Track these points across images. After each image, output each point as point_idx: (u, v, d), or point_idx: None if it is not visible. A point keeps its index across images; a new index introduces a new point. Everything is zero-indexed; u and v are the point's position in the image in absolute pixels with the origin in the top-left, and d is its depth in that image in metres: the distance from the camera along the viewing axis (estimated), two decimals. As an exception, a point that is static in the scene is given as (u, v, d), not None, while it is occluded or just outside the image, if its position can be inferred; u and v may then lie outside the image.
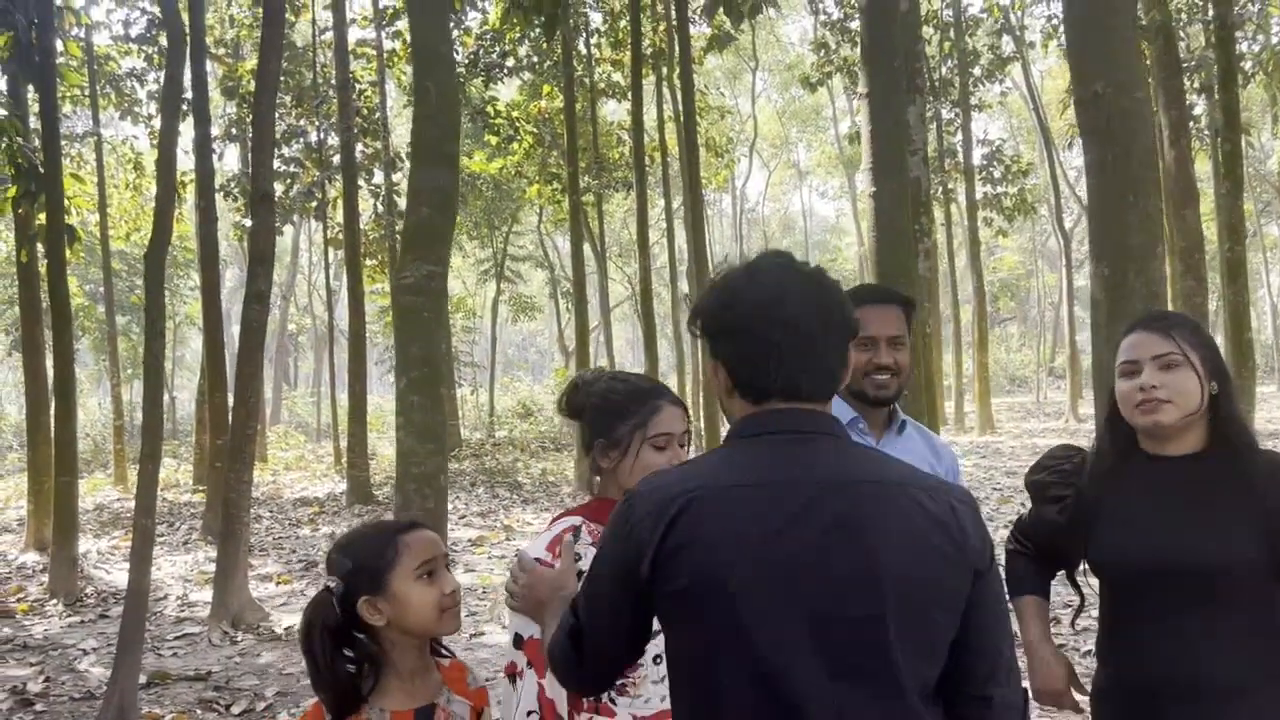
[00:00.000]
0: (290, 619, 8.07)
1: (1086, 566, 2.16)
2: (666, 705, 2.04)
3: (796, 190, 50.57)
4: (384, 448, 24.44)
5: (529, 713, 1.97)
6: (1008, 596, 1.67)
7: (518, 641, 2.01)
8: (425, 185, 2.68)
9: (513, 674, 2.00)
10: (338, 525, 13.43)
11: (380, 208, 19.00)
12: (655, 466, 2.05)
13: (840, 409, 2.63)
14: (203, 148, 11.53)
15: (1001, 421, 26.40)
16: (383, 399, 33.28)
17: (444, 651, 2.01)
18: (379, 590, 1.83)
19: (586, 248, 19.54)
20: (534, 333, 61.64)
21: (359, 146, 17.07)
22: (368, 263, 19.33)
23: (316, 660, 1.81)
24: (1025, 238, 42.31)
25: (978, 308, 24.05)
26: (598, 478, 2.17)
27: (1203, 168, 19.23)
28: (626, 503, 1.52)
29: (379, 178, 18.53)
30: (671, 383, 23.13)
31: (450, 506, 14.95)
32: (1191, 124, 13.81)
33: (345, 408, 16.80)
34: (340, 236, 18.40)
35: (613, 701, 2.07)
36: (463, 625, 7.27)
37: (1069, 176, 30.36)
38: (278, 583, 9.61)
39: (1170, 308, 2.93)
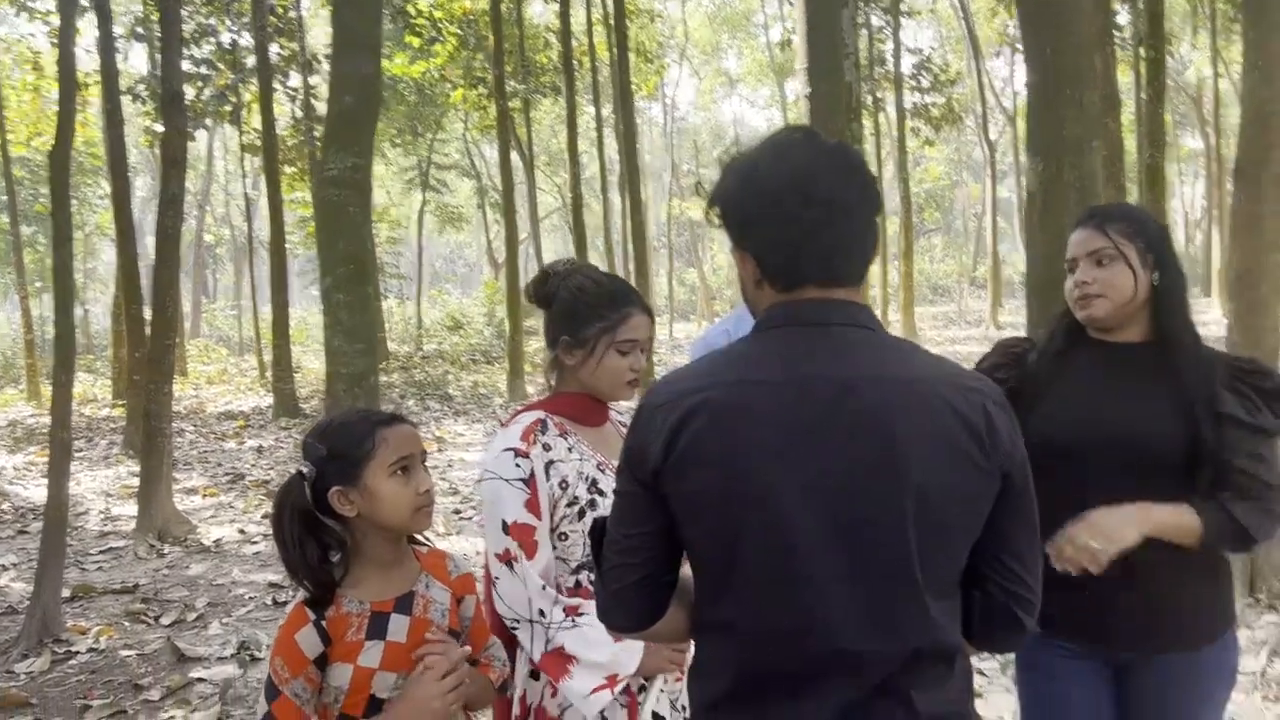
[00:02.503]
0: (219, 531, 7.97)
1: None
2: None
3: (727, 99, 50.04)
4: (309, 361, 24.05)
5: (543, 587, 1.99)
6: None
7: (504, 527, 2.01)
8: (347, 72, 2.55)
9: (509, 560, 2.00)
10: (264, 439, 13.24)
11: (298, 112, 18.30)
12: (618, 370, 2.08)
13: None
14: (106, 47, 10.91)
15: (924, 330, 26.94)
16: (305, 311, 32.62)
17: (423, 541, 1.98)
18: (351, 481, 1.79)
19: (515, 156, 19.13)
20: (461, 244, 60.68)
21: (273, 47, 16.33)
22: (286, 170, 18.70)
23: (286, 543, 1.77)
24: (951, 148, 42.62)
25: (904, 218, 24.25)
26: (556, 372, 2.18)
27: (1124, 79, 19.46)
28: (643, 400, 1.47)
29: (295, 80, 17.80)
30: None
31: (379, 418, 14.85)
32: (1115, 33, 13.90)
33: (268, 320, 16.41)
34: (257, 143, 17.73)
35: (593, 583, 2.08)
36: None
37: (995, 86, 30.49)
38: (204, 496, 9.46)
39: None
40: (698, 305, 42.70)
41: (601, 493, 2.06)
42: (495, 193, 30.78)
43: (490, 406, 16.03)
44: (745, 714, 1.42)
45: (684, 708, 2.22)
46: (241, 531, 8.00)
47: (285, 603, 5.93)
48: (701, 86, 46.52)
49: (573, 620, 1.98)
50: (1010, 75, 32.02)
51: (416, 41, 19.31)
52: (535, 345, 22.92)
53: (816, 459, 1.33)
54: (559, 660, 1.99)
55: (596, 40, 18.87)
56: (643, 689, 2.13)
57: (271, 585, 6.34)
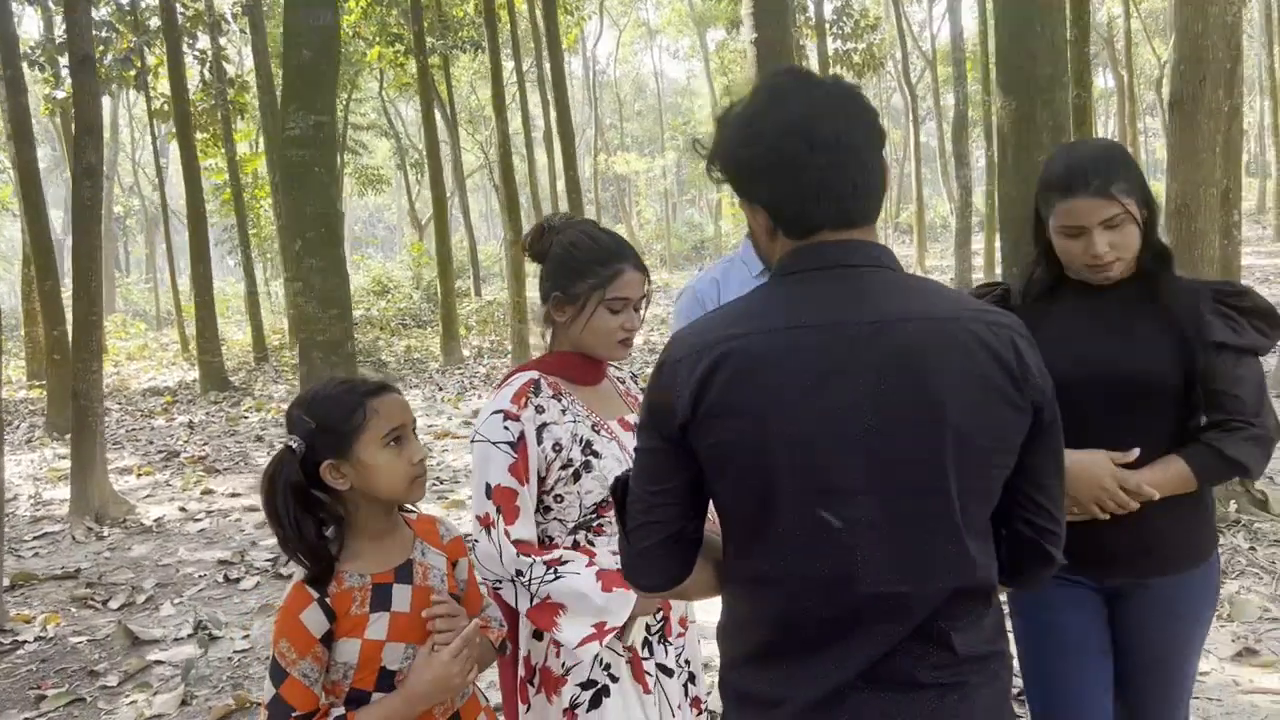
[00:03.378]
0: (159, 510, 7.75)
1: None
2: None
3: (647, 50, 49.58)
4: (232, 332, 23.46)
5: (517, 553, 1.96)
6: None
7: (488, 490, 1.98)
8: (303, 25, 2.42)
9: (488, 524, 1.98)
10: (194, 414, 12.89)
11: (208, 75, 17.62)
12: (609, 328, 2.04)
13: (755, 256, 2.62)
14: (1, 9, 10.33)
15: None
16: (224, 282, 31.70)
17: (409, 508, 1.93)
18: (343, 455, 1.73)
19: (437, 114, 18.71)
20: (381, 207, 59.53)
21: (178, 8, 15.65)
22: (199, 136, 18.04)
23: (282, 520, 1.70)
24: (870, 95, 42.86)
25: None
26: (550, 329, 2.14)
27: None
28: (664, 354, 1.42)
29: (204, 42, 17.10)
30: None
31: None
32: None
33: (186, 292, 15.90)
34: (166, 108, 17.04)
35: (590, 543, 2.07)
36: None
37: (914, 30, 30.68)
38: (139, 475, 9.19)
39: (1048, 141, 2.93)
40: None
41: (596, 454, 2.03)
42: (416, 152, 30.16)
43: (426, 371, 15.82)
44: (782, 666, 1.40)
45: (686, 662, 2.22)
46: (183, 509, 7.79)
47: (237, 580, 5.81)
48: (621, 38, 46.01)
49: (555, 571, 1.96)
50: (928, 19, 32.24)
51: (329, -2, 18.64)
52: (468, 307, 22.68)
53: (850, 402, 1.31)
54: (546, 611, 1.97)
55: (515, -7, 18.46)
56: (653, 642, 2.12)
57: (221, 563, 6.20)
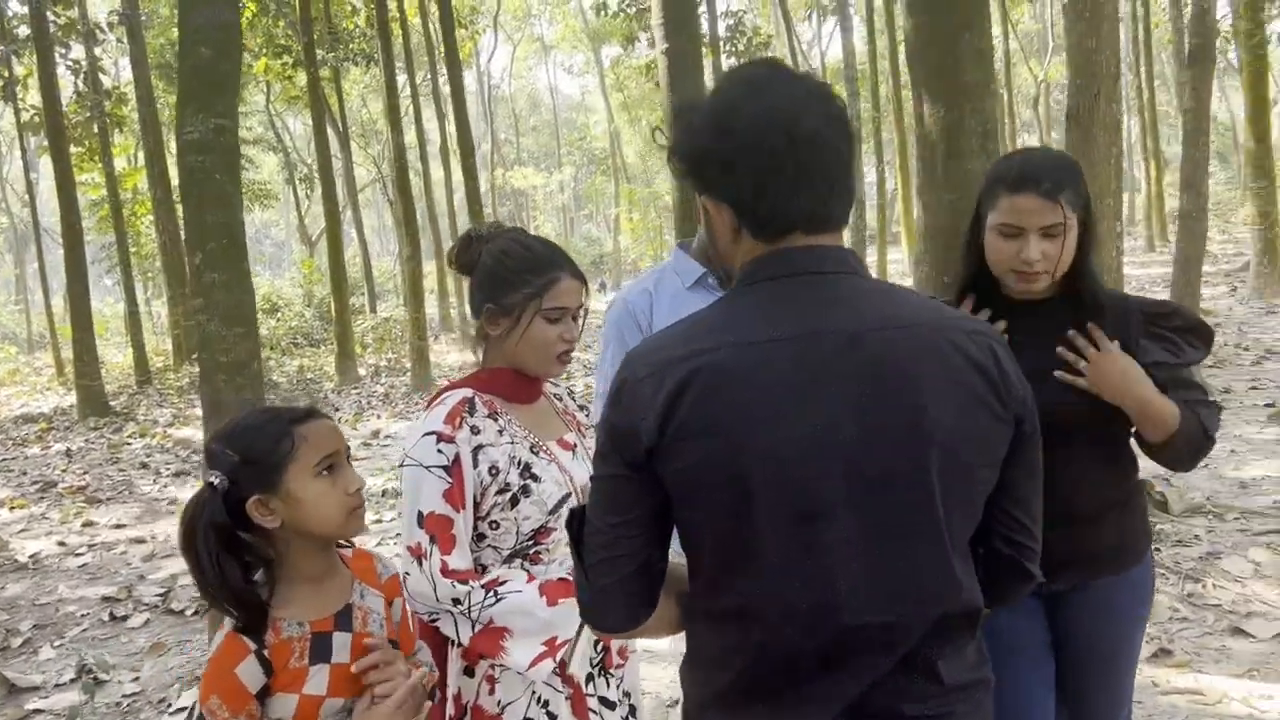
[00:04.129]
0: (35, 545, 7.27)
1: None
2: (568, 570, 1.94)
3: (541, 65, 49.45)
4: (112, 355, 22.40)
5: (452, 583, 1.83)
6: None
7: (419, 519, 1.85)
8: (202, 22, 2.23)
9: (419, 555, 1.85)
10: (72, 442, 12.21)
11: (83, 86, 16.80)
12: (547, 340, 1.93)
13: (689, 266, 2.55)
14: None
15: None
16: (102, 302, 30.26)
17: (344, 543, 1.77)
18: (271, 488, 1.58)
19: (329, 128, 18.23)
20: (268, 223, 57.91)
21: (49, 15, 14.88)
22: (74, 150, 17.18)
23: (202, 565, 1.54)
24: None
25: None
26: (483, 345, 2.02)
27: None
28: (621, 372, 1.31)
29: (78, 51, 16.31)
30: (430, 270, 22.40)
31: (198, 410, 13.95)
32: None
33: (61, 314, 15.10)
34: (37, 120, 16.17)
35: (527, 571, 1.95)
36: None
37: (804, 49, 31.29)
38: (11, 508, 8.62)
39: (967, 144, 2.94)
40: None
41: (535, 477, 1.91)
42: (305, 166, 29.40)
43: (321, 391, 15.34)
44: (757, 706, 1.31)
45: (627, 694, 2.11)
46: (62, 543, 7.31)
47: (124, 617, 5.46)
48: (516, 53, 45.79)
49: (494, 594, 1.84)
50: (815, 38, 32.99)
51: (212, 7, 18.01)
52: (363, 324, 22.13)
53: (831, 418, 1.22)
54: (490, 637, 1.85)
55: (407, 4, 18.12)
56: (595, 675, 2.01)
57: (106, 600, 5.82)
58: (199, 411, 13.64)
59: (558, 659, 1.87)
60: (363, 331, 21.20)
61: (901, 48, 22.40)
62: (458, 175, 27.50)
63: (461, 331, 22.41)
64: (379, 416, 12.48)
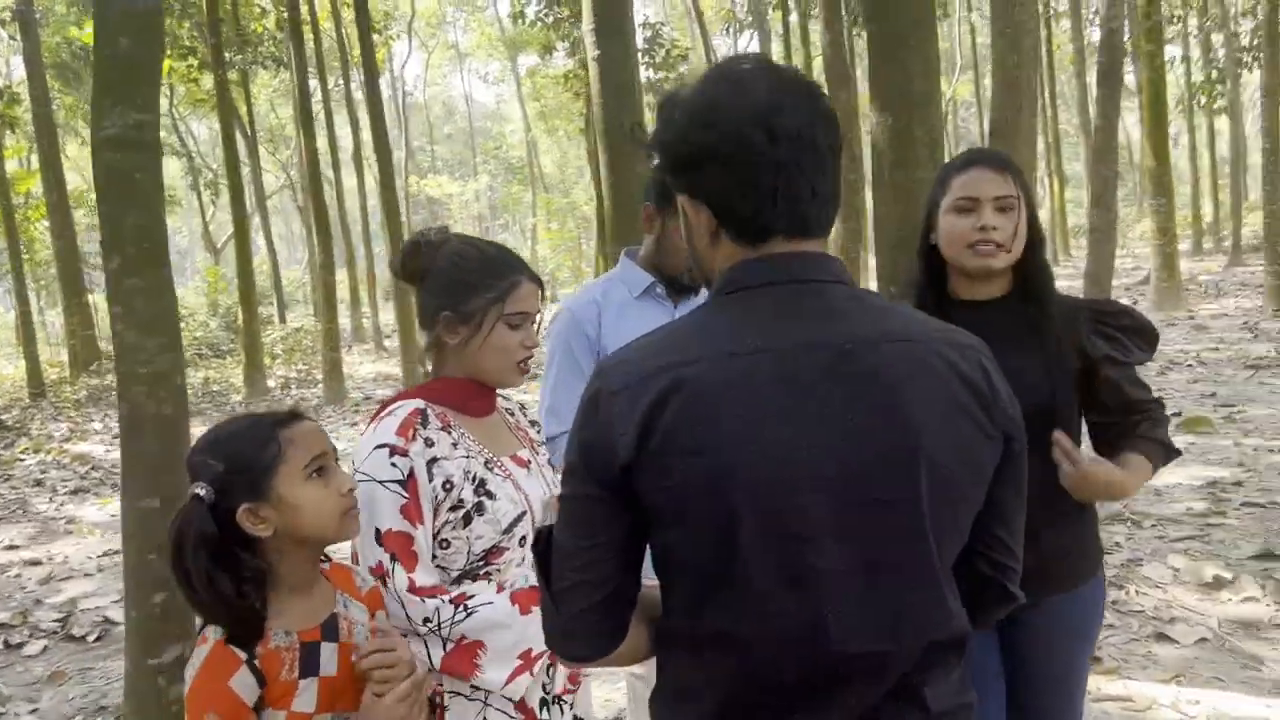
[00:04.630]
0: (-81, 571, 6.81)
1: None
2: (530, 582, 1.86)
3: (456, 72, 48.94)
4: (1, 366, 21.36)
5: (421, 600, 1.75)
6: None
7: (378, 537, 1.75)
8: (120, 9, 2.07)
9: (381, 575, 1.76)
10: (-44, 459, 11.55)
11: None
12: (509, 346, 1.86)
13: (636, 275, 2.49)
14: None
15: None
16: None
17: (320, 556, 1.70)
18: (261, 496, 1.51)
19: (236, 133, 17.71)
20: (171, 229, 56.13)
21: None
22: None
23: (192, 581, 1.47)
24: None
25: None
26: (434, 354, 1.92)
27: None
28: (594, 384, 1.23)
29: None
30: (342, 279, 21.91)
31: (102, 424, 13.35)
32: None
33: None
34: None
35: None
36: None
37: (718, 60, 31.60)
38: (-107, 532, 8.08)
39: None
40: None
41: (490, 494, 1.82)
42: (210, 171, 28.57)
43: (228, 404, 14.84)
44: None
45: (578, 719, 2.03)
46: (-51, 568, 6.88)
47: (19, 645, 5.15)
48: (430, 60, 45.26)
49: (464, 608, 1.76)
50: (732, 50, 33.34)
51: (113, 5, 17.36)
52: (272, 335, 21.51)
53: (820, 436, 1.15)
54: (464, 655, 1.76)
55: (319, 8, 17.73)
56: (549, 702, 1.92)
57: (0, 626, 5.47)
58: (98, 426, 13.11)
59: (534, 670, 1.79)
60: (271, 342, 20.64)
61: (816, 63, 22.81)
62: (370, 183, 27.09)
63: (375, 342, 22.01)
64: (291, 429, 12.11)
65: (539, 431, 2.11)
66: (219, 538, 1.49)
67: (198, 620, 1.58)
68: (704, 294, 2.50)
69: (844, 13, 12.37)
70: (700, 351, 1.18)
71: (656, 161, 1.30)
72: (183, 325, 22.29)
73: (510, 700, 1.82)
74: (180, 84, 21.49)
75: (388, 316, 25.91)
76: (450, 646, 1.75)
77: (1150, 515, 5.55)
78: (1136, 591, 4.49)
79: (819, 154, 1.22)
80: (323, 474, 1.57)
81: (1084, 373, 2.02)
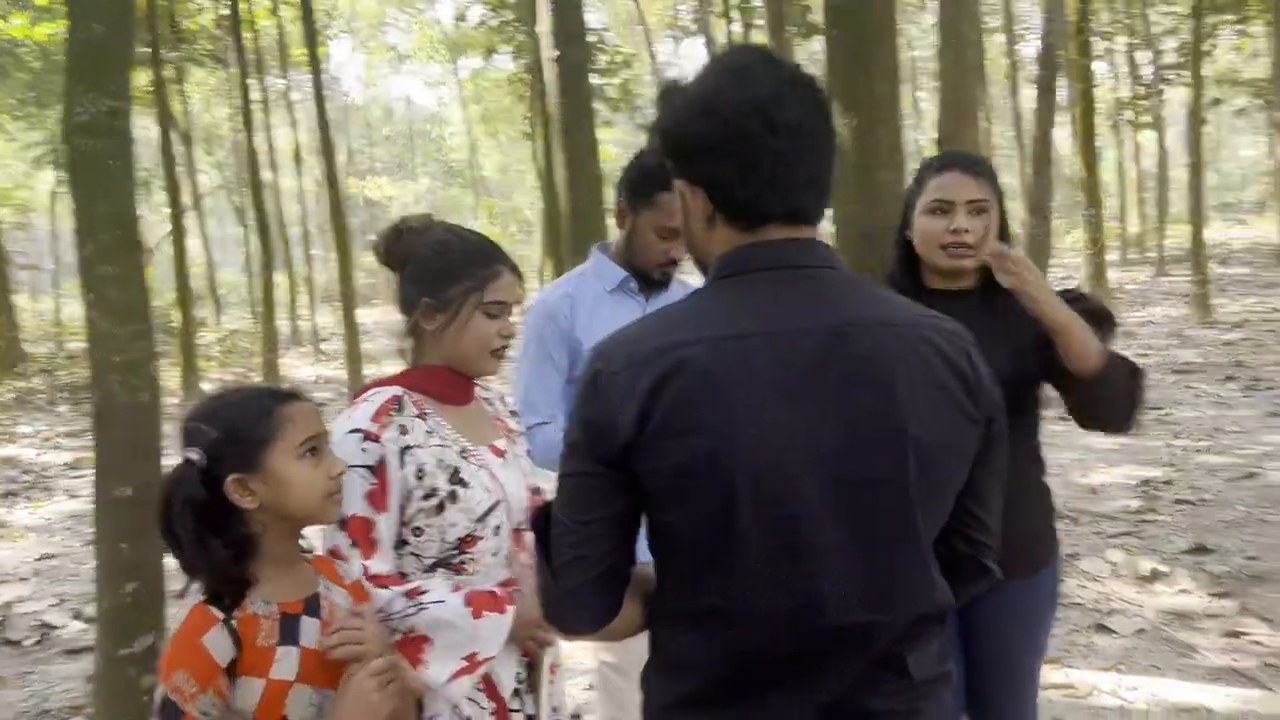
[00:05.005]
0: None
1: None
2: (505, 575, 1.90)
3: (396, 74, 48.45)
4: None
5: (375, 588, 1.76)
6: None
7: (341, 521, 1.76)
8: (93, -4, 2.07)
9: (339, 559, 1.78)
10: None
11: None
12: (486, 335, 1.87)
13: (610, 270, 2.52)
14: None
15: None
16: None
17: (300, 535, 1.70)
18: (253, 468, 1.53)
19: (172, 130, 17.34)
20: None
21: None
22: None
23: (181, 542, 1.50)
24: (622, 130, 44.01)
25: (586, 196, 24.64)
26: (413, 342, 1.93)
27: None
28: (594, 364, 1.26)
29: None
30: (280, 282, 21.56)
31: (30, 429, 12.97)
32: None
33: None
34: None
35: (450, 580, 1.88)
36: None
37: (663, 70, 31.74)
38: None
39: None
40: (379, 288, 41.10)
41: (464, 483, 1.84)
42: (142, 170, 27.91)
43: (164, 407, 14.50)
44: (729, 709, 1.29)
45: (555, 709, 2.05)
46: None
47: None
48: (370, 61, 44.73)
49: (417, 603, 1.77)
50: (675, 57, 33.55)
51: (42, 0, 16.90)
52: (208, 337, 21.08)
53: (814, 416, 1.21)
54: (410, 647, 1.78)
55: (257, 6, 17.47)
56: (522, 691, 1.94)
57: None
58: (26, 430, 12.72)
59: (476, 675, 1.80)
60: (208, 345, 20.23)
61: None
62: (309, 184, 26.69)
63: (313, 345, 21.69)
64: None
65: (518, 421, 2.13)
66: (209, 502, 1.51)
67: (171, 610, 1.58)
68: (674, 289, 2.56)
69: (786, 25, 12.55)
70: (699, 334, 1.23)
71: (657, 145, 1.36)
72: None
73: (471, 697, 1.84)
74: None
75: (324, 319, 25.58)
76: (398, 637, 1.77)
77: (1088, 512, 5.74)
78: (1077, 585, 4.63)
79: (816, 144, 1.28)
80: (315, 454, 1.59)
81: (1053, 354, 2.07)
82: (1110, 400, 2.04)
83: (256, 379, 15.36)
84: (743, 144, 1.25)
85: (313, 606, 1.61)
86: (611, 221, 2.55)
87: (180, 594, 1.55)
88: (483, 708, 1.87)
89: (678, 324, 1.26)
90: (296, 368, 18.60)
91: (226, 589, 1.51)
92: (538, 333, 2.48)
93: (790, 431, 1.20)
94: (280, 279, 22.05)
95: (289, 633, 1.55)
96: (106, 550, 2.30)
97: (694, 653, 1.30)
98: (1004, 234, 2.11)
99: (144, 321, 2.19)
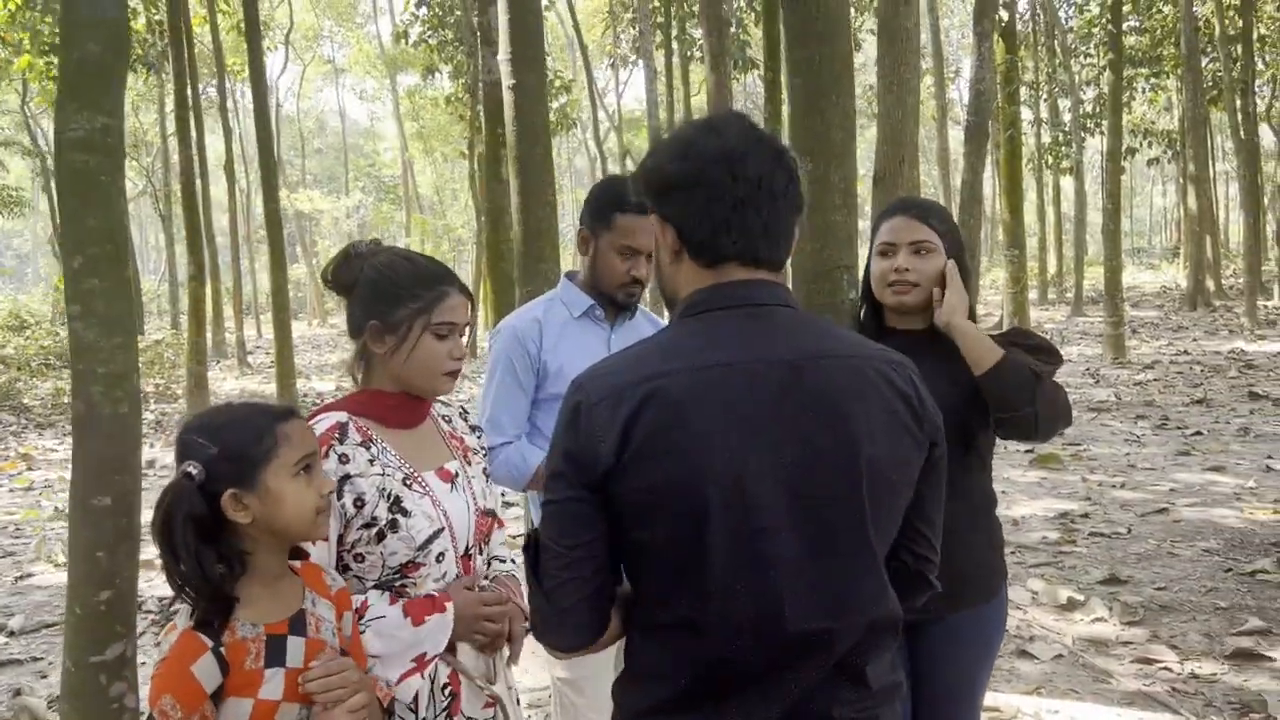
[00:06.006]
0: None
1: None
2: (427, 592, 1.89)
3: (330, 87, 47.95)
4: None
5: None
6: None
7: None
8: (88, 15, 2.07)
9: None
10: None
11: None
12: (435, 356, 1.89)
13: (577, 297, 2.61)
14: None
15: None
16: None
17: (288, 552, 1.73)
18: (249, 484, 1.57)
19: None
20: (11, 232, 53.02)
21: None
22: None
23: (179, 555, 1.52)
24: (557, 153, 44.06)
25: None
26: (363, 365, 1.95)
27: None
28: (574, 397, 1.38)
29: None
30: (205, 293, 21.11)
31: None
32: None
33: None
34: None
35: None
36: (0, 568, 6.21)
37: (601, 95, 32.02)
38: None
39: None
40: (307, 301, 40.47)
41: (405, 512, 1.84)
42: (65, 175, 27.06)
43: (82, 417, 14.08)
44: (698, 712, 1.39)
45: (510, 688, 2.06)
46: None
47: None
48: (306, 74, 44.23)
49: (363, 626, 1.81)
50: (613, 84, 33.85)
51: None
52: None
53: (776, 440, 1.35)
54: (360, 659, 1.79)
55: (192, 14, 17.19)
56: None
57: None
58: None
59: (425, 673, 1.83)
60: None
61: (695, 100, 23.36)
62: (239, 194, 26.19)
63: (238, 358, 21.27)
64: (152, 446, 11.62)
65: (480, 437, 2.12)
66: (207, 516, 1.54)
67: (143, 618, 1.60)
68: (639, 315, 2.68)
69: (728, 60, 12.82)
70: (670, 366, 1.37)
71: (639, 184, 1.51)
72: (27, 333, 21.17)
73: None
74: (36, 81, 20.44)
75: (250, 332, 25.08)
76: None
77: (1010, 543, 5.95)
78: (1000, 612, 4.82)
79: (774, 198, 1.42)
80: (309, 472, 1.63)
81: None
82: (1002, 398, 2.12)
83: (178, 391, 15.04)
84: (704, 187, 1.40)
85: (298, 625, 1.64)
86: (565, 247, 2.65)
87: (165, 618, 1.58)
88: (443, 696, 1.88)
89: (650, 358, 1.40)
90: (222, 381, 18.24)
91: (214, 607, 1.54)
92: (506, 356, 2.56)
93: (754, 451, 1.34)
94: (205, 290, 21.62)
95: (275, 654, 1.58)
96: (82, 558, 2.31)
97: (665, 663, 1.41)
98: (964, 272, 2.24)
99: (129, 333, 2.22)
